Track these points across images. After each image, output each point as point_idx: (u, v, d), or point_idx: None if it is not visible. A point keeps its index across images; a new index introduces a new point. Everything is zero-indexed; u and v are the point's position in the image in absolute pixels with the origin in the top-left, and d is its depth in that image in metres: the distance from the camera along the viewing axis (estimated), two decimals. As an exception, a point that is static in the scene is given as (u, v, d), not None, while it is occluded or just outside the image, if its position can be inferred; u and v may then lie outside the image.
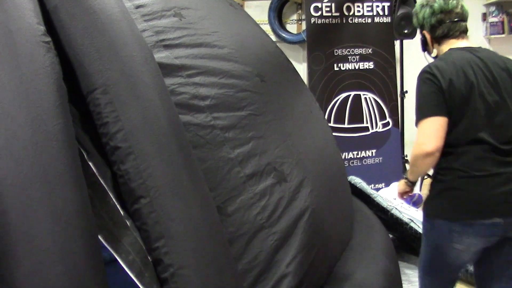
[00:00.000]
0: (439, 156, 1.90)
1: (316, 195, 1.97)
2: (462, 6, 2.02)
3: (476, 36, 5.60)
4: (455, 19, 1.97)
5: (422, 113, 1.90)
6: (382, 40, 4.56)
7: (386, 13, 4.51)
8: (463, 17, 2.00)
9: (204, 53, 1.87)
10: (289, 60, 2.58)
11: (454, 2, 1.99)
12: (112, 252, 1.35)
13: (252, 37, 2.29)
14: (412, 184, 2.18)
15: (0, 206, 1.19)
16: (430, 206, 2.00)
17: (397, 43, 4.84)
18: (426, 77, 1.92)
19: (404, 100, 4.90)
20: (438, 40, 2.05)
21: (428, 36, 2.09)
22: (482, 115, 1.86)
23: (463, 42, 2.03)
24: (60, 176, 1.25)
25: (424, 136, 1.90)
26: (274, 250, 1.70)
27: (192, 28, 1.93)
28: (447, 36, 2.02)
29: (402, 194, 2.25)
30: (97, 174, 1.41)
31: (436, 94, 1.86)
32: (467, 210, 1.84)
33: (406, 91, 4.85)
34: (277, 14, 5.92)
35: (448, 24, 1.97)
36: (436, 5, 2.00)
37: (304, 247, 1.80)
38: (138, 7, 1.86)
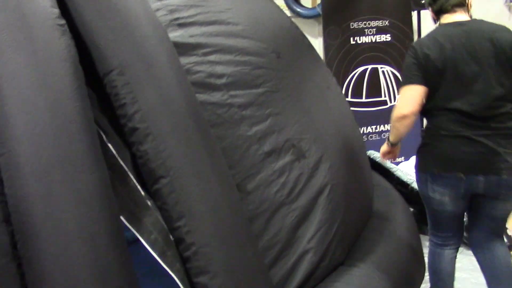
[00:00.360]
0: (414, 119, 2.14)
1: (335, 171, 1.96)
2: None
3: (496, 4, 5.45)
4: None
5: (402, 81, 2.15)
6: (399, 11, 4.46)
7: (402, -16, 4.41)
8: None
9: (219, 30, 1.85)
10: (304, 36, 2.54)
11: None
12: (135, 232, 1.36)
13: (267, 13, 2.26)
14: (392, 145, 2.35)
15: (23, 191, 1.20)
16: (415, 162, 2.28)
17: (414, 14, 4.74)
18: (410, 50, 2.16)
19: (423, 72, 4.81)
20: (437, 15, 2.21)
21: (430, 12, 2.26)
22: (458, 86, 2.03)
23: (457, 16, 2.13)
24: (80, 158, 1.26)
25: (402, 101, 2.16)
26: (294, 226, 1.70)
27: (206, 6, 1.90)
28: (441, 11, 2.16)
29: (384, 155, 2.40)
30: (116, 155, 1.42)
31: (414, 65, 2.08)
32: (434, 164, 2.11)
33: (425, 63, 4.77)
34: (291, -11, 5.83)
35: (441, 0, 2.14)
36: None
37: (324, 223, 1.80)
38: (151, -14, 1.84)
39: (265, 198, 1.63)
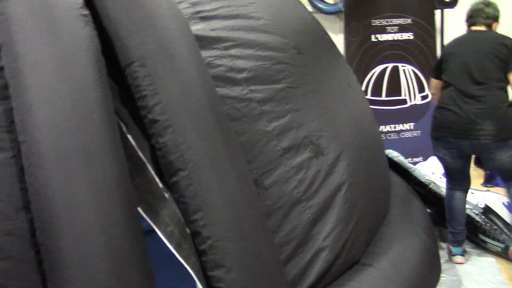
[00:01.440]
0: (436, 98, 2.94)
1: (353, 169, 1.95)
2: (491, 7, 2.80)
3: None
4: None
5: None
6: (422, 9, 4.39)
7: (426, -19, 4.35)
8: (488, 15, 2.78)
9: (240, 24, 1.84)
10: (326, 32, 2.52)
11: (481, 5, 2.82)
12: (151, 223, 1.37)
13: (289, 8, 2.25)
14: None
15: (43, 178, 1.22)
16: None
17: (437, 13, 4.68)
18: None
19: (444, 71, 4.75)
20: (468, 28, 2.86)
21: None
22: (459, 71, 2.70)
23: (480, 27, 2.79)
24: (100, 148, 1.27)
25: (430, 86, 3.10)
26: (311, 223, 1.69)
27: (228, 0, 1.90)
28: (471, 25, 2.84)
29: None
30: (135, 146, 1.43)
31: (438, 63, 2.91)
32: (435, 130, 2.76)
33: (447, 62, 4.70)
34: (313, -16, 5.79)
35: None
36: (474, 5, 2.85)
37: (341, 221, 1.79)
38: (174, -22, 1.84)
39: (282, 194, 1.63)
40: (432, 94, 3.07)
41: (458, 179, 2.81)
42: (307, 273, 1.64)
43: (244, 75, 1.71)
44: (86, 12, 1.44)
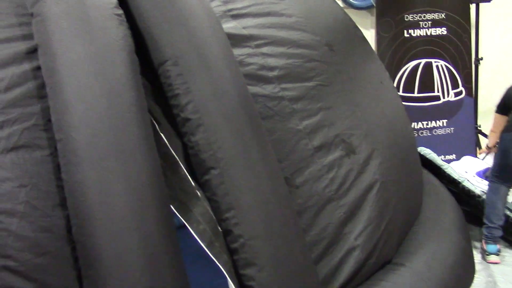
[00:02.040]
0: (494, 136, 3.07)
1: (385, 168, 1.92)
2: None
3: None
4: None
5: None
6: (456, 4, 4.31)
7: (461, -25, 4.25)
8: None
9: (272, 22, 1.84)
10: (358, 28, 2.49)
11: None
12: (184, 221, 1.38)
13: (320, 5, 2.23)
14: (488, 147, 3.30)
15: (79, 175, 1.24)
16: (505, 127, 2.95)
17: (472, 7, 4.57)
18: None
19: (479, 67, 4.64)
20: None
21: None
22: None
23: None
24: (134, 147, 1.28)
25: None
26: (342, 222, 1.68)
27: (260, -3, 1.90)
28: None
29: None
30: (168, 145, 1.44)
31: (502, 100, 2.98)
32: (502, 171, 2.81)
33: (481, 58, 4.58)
34: (344, -21, 5.73)
35: None
36: None
37: (373, 220, 1.77)
38: (206, -23, 1.85)
39: (313, 192, 1.62)
40: (491, 131, 3.08)
41: (508, 175, 2.79)
42: (338, 272, 1.63)
43: (275, 73, 1.71)
44: (120, 11, 1.46)
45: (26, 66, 1.39)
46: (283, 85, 1.70)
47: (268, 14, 1.86)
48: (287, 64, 1.76)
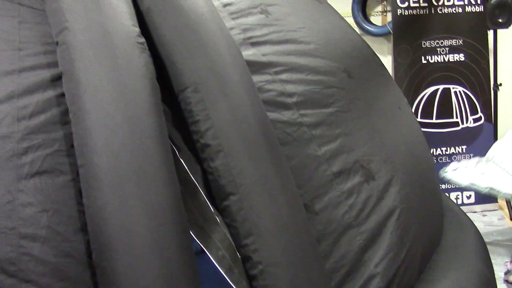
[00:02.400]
0: None
1: (405, 194, 1.91)
2: None
3: None
4: None
5: None
6: (474, 30, 4.32)
7: (478, 2, 4.27)
8: None
9: (291, 49, 1.86)
10: (375, 54, 2.51)
11: None
12: (203, 247, 1.38)
13: (339, 32, 2.25)
14: None
15: (100, 200, 1.25)
16: None
17: (490, 33, 4.57)
18: None
19: (498, 93, 4.62)
20: None
21: None
22: None
23: None
24: (155, 172, 1.29)
25: None
26: (362, 249, 1.66)
27: (279, 25, 1.92)
28: None
29: None
30: (188, 170, 1.45)
31: None
32: None
33: (500, 84, 4.56)
34: (361, 6, 5.79)
35: None
36: None
37: (393, 248, 1.75)
38: (225, 5, 1.88)
39: (332, 219, 1.61)
40: None
41: None
42: (357, 301, 1.61)
43: (294, 99, 1.72)
44: (142, 40, 1.49)
45: (51, 93, 1.42)
46: (302, 111, 1.71)
47: (286, 41, 1.88)
48: (306, 91, 1.77)
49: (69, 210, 1.30)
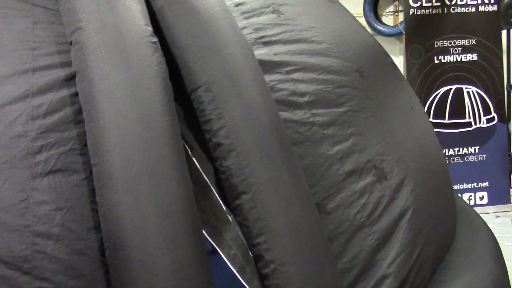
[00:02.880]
0: None
1: (418, 194, 1.90)
2: None
3: None
4: None
5: None
6: (487, 30, 4.28)
7: (491, 1, 4.24)
8: None
9: (303, 49, 1.86)
10: (387, 54, 2.50)
11: None
12: (215, 246, 1.38)
13: (350, 31, 2.25)
14: None
15: (113, 199, 1.26)
16: None
17: (503, 33, 4.54)
18: None
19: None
20: None
21: None
22: None
23: None
24: (167, 171, 1.30)
25: None
26: (374, 249, 1.65)
27: (291, 24, 1.92)
28: None
29: None
30: (200, 169, 1.46)
31: None
32: None
33: (514, 84, 4.53)
34: (373, 7, 5.77)
35: None
36: None
37: (405, 248, 1.74)
38: (237, 5, 1.89)
39: (345, 218, 1.60)
40: None
41: None
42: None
43: (306, 98, 1.72)
44: (155, 39, 1.50)
45: (65, 92, 1.43)
46: (314, 111, 1.71)
47: (298, 41, 1.88)
48: (318, 90, 1.77)
49: (83, 208, 1.31)
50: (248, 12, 1.87)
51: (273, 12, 1.92)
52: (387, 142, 1.88)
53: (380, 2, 5.86)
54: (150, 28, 1.50)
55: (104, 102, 1.34)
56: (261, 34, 1.80)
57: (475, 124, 4.19)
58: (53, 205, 1.29)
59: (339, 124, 1.75)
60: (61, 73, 1.47)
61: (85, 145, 1.36)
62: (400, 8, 5.50)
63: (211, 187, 1.43)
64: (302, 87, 1.73)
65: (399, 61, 5.01)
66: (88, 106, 1.37)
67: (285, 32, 1.86)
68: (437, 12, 4.17)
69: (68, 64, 1.47)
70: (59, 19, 1.59)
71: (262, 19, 1.87)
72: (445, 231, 2.23)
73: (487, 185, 4.09)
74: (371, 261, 1.63)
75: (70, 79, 1.45)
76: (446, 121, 4.18)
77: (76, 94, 1.42)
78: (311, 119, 1.68)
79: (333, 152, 1.68)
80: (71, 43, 1.47)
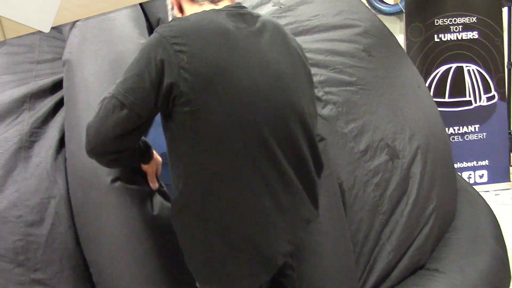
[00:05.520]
0: None
1: (426, 173, 1.92)
2: None
3: None
4: None
5: None
6: (488, 7, 4.25)
7: (492, -22, 4.21)
8: None
9: (306, 40, 1.87)
10: (392, 33, 2.49)
11: None
12: None
13: (354, 12, 2.24)
14: None
15: None
16: None
17: (504, 10, 4.52)
18: None
19: (512, 71, 4.58)
20: None
21: None
22: None
23: None
24: None
25: None
26: (382, 227, 1.68)
27: (292, 16, 1.93)
28: None
29: None
30: None
31: None
32: None
33: (515, 62, 4.52)
34: (372, -15, 5.72)
35: None
36: None
37: (409, 225, 1.77)
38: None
39: (359, 198, 1.63)
40: None
41: None
42: (369, 274, 1.64)
43: (317, 78, 1.73)
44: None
45: None
46: (326, 89, 1.71)
47: (300, 33, 1.89)
48: (328, 71, 1.78)
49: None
50: (249, 7, 1.87)
51: (274, 5, 1.93)
52: (398, 121, 1.89)
53: (379, -20, 5.81)
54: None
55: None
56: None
57: (475, 102, 4.18)
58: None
59: (352, 102, 1.76)
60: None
61: None
62: (400, -14, 5.46)
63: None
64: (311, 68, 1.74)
65: (399, 40, 4.99)
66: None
67: (288, 24, 1.87)
68: (438, -10, 4.14)
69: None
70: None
71: (263, 12, 1.87)
72: (447, 209, 2.25)
73: (487, 164, 4.11)
74: (377, 238, 1.66)
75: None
76: (446, 99, 4.18)
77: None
78: (324, 97, 1.70)
79: (348, 130, 1.69)
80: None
